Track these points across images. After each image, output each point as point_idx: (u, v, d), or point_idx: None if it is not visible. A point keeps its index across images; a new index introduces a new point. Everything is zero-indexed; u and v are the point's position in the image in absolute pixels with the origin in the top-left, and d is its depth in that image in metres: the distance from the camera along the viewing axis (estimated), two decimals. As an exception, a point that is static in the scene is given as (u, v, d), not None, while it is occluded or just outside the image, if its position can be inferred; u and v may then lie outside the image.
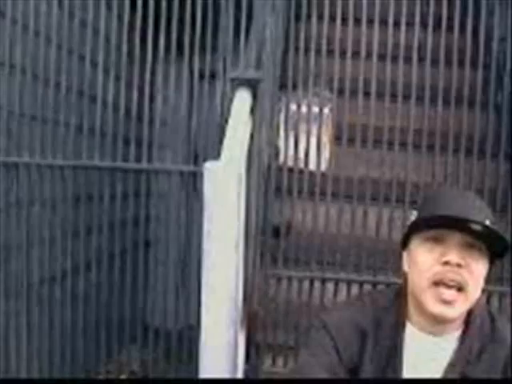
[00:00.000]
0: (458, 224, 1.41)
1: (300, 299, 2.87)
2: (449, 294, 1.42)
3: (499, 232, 1.41)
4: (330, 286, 2.87)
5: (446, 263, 1.41)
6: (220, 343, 2.07)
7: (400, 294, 1.54)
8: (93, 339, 3.23)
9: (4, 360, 3.05)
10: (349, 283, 2.86)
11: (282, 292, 2.88)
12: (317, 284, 2.87)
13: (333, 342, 1.49)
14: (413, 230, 1.48)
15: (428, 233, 1.45)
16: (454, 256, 1.41)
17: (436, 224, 1.44)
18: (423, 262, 1.44)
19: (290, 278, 2.88)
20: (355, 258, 2.88)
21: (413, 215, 1.51)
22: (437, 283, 1.42)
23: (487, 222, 1.41)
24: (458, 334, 1.50)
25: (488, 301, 2.72)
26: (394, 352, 1.49)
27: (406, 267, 1.52)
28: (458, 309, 1.43)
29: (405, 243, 1.52)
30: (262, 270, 2.79)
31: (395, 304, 1.53)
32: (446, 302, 1.42)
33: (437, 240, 1.44)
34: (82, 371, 3.33)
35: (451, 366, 1.48)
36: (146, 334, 3.27)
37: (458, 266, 1.41)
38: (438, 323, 1.47)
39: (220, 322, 2.07)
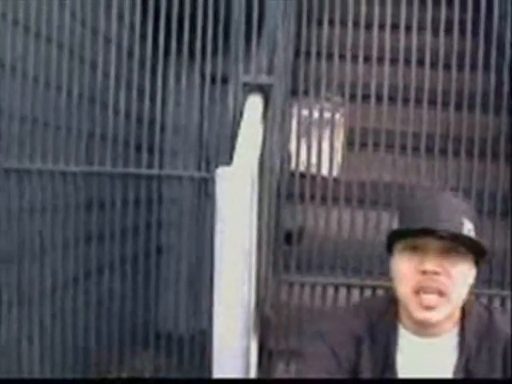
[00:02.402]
0: (429, 233, 1.42)
1: (313, 305, 2.86)
2: (429, 299, 1.44)
3: (467, 236, 1.43)
4: (343, 292, 2.85)
5: (424, 272, 1.43)
6: (232, 349, 2.06)
7: (393, 301, 1.55)
8: (105, 345, 3.23)
9: (17, 366, 3.05)
10: (362, 288, 2.85)
11: (295, 298, 2.87)
12: (330, 289, 2.86)
13: (330, 350, 1.51)
14: (392, 238, 1.51)
15: (406, 242, 1.47)
16: (430, 264, 1.43)
17: (411, 234, 1.46)
18: (403, 271, 1.47)
19: (302, 284, 2.87)
20: (368, 263, 2.86)
21: (395, 222, 1.53)
22: (418, 291, 1.45)
23: (465, 226, 1.43)
24: (454, 332, 1.51)
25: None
26: (389, 357, 1.51)
27: (393, 274, 1.53)
28: (441, 313, 1.46)
29: (390, 249, 1.53)
30: (275, 275, 2.78)
31: (389, 309, 1.55)
32: (429, 308, 1.44)
33: (415, 248, 1.46)
34: (94, 376, 3.32)
35: (455, 365, 1.49)
36: (158, 339, 3.27)
37: (435, 273, 1.43)
38: (425, 327, 1.49)
39: (232, 328, 2.06)
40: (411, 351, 1.51)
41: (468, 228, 1.44)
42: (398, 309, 1.53)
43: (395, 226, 1.52)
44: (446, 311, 1.46)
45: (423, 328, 1.49)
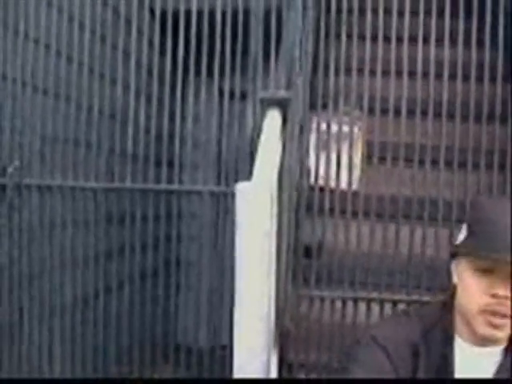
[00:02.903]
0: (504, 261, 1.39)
1: (332, 319, 2.85)
2: (497, 321, 1.42)
3: None
4: (363, 306, 2.84)
5: (495, 296, 1.41)
6: (252, 364, 2.06)
7: (446, 308, 1.52)
8: (126, 358, 3.25)
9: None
10: (382, 302, 2.83)
11: (315, 312, 2.87)
12: (349, 304, 2.85)
13: (386, 355, 1.46)
14: (462, 251, 1.47)
15: (476, 261, 1.43)
16: (502, 289, 1.41)
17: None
18: (471, 290, 1.44)
19: (322, 299, 2.86)
20: (388, 277, 2.85)
21: (463, 229, 1.49)
22: (484, 311, 1.42)
23: None
24: (503, 345, 1.49)
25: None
26: (444, 367, 1.47)
27: (455, 279, 1.50)
28: (505, 331, 1.44)
29: (453, 255, 1.51)
30: (294, 290, 2.78)
31: (442, 318, 1.51)
32: (496, 327, 1.42)
33: (485, 271, 1.42)
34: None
35: (499, 370, 1.47)
36: (178, 353, 3.27)
37: (506, 297, 1.41)
38: (487, 342, 1.47)
39: (253, 342, 2.06)
40: (468, 360, 1.48)
41: None
42: (453, 317, 1.50)
43: (463, 233, 1.48)
44: (509, 330, 1.44)
45: (484, 340, 1.47)
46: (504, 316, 1.41)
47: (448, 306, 1.52)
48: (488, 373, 1.48)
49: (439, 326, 1.50)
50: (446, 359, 1.47)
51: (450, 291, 1.53)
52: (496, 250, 1.40)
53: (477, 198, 1.57)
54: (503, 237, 1.40)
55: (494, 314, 1.42)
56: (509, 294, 1.41)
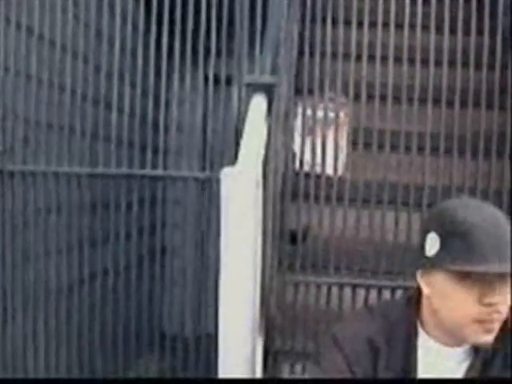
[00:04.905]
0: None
1: (318, 305, 2.85)
2: (491, 326, 1.38)
3: None
4: (348, 292, 2.84)
5: (489, 304, 1.37)
6: (238, 350, 2.06)
7: (411, 304, 1.49)
8: (110, 347, 3.23)
9: (22, 367, 3.05)
10: (367, 288, 2.84)
11: (300, 298, 2.86)
12: (335, 290, 2.85)
13: (345, 360, 1.45)
14: (440, 262, 1.39)
15: (460, 273, 1.37)
16: (494, 297, 1.36)
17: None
18: (459, 300, 1.38)
19: (307, 284, 2.86)
20: (373, 263, 2.85)
21: (432, 240, 1.40)
22: (480, 320, 1.38)
23: None
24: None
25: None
26: (407, 366, 1.45)
27: (426, 291, 1.43)
28: (495, 332, 1.40)
29: (424, 266, 1.43)
30: (280, 276, 2.77)
31: (406, 315, 1.48)
32: (490, 332, 1.39)
33: (473, 278, 1.36)
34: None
35: (469, 370, 1.45)
36: (163, 341, 3.26)
37: (497, 304, 1.37)
38: (472, 345, 1.44)
39: (238, 329, 2.06)
40: (433, 359, 1.46)
41: None
42: (419, 314, 1.47)
43: (436, 245, 1.39)
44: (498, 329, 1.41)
45: (459, 342, 1.44)
46: (497, 320, 1.38)
47: (412, 304, 1.49)
48: (453, 372, 1.45)
49: (402, 324, 1.47)
50: (409, 358, 1.45)
51: (415, 290, 1.48)
52: (486, 260, 1.34)
53: (445, 205, 1.48)
54: (491, 250, 1.35)
55: (489, 321, 1.38)
56: (500, 300, 1.37)
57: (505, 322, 1.42)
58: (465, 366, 1.46)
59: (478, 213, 1.39)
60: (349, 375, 1.44)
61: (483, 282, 1.36)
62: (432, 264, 1.41)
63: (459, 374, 1.46)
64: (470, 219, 1.38)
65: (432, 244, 1.41)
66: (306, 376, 2.63)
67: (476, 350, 1.46)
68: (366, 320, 1.51)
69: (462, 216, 1.38)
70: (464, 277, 1.37)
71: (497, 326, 1.39)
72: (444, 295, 1.40)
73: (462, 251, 1.36)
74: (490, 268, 1.34)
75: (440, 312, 1.42)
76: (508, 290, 1.38)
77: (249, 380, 2.09)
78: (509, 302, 1.39)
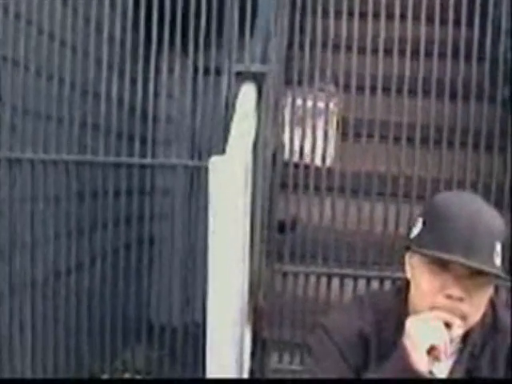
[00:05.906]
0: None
1: (306, 295, 2.86)
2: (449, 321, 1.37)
3: (496, 273, 1.35)
4: (337, 282, 2.85)
5: (449, 296, 1.36)
6: (226, 340, 2.06)
7: (400, 297, 1.49)
8: (97, 336, 3.22)
9: (8, 356, 3.04)
10: (355, 279, 2.84)
11: (289, 288, 2.87)
12: (323, 280, 2.85)
13: (338, 349, 1.45)
14: (414, 246, 1.42)
15: (429, 258, 1.38)
16: (456, 290, 1.36)
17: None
18: (425, 288, 1.39)
19: (296, 274, 2.86)
20: (362, 254, 2.86)
21: (418, 223, 1.42)
22: (437, 309, 1.37)
23: (495, 254, 1.35)
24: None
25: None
26: None
27: (408, 274, 1.45)
28: (458, 332, 1.39)
29: (407, 247, 1.46)
30: (268, 265, 2.77)
31: (395, 306, 1.48)
32: (448, 326, 1.37)
33: (440, 266, 1.37)
34: (87, 369, 3.31)
35: (457, 364, 1.45)
36: (151, 331, 3.25)
37: (460, 299, 1.36)
38: None
39: (226, 319, 2.05)
40: None
41: (497, 254, 1.36)
42: (407, 304, 1.46)
43: (418, 227, 1.41)
44: (462, 331, 1.39)
45: None
46: (456, 318, 1.36)
47: (402, 294, 1.49)
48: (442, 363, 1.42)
49: (392, 314, 1.47)
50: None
51: (404, 280, 1.48)
52: (451, 247, 1.34)
53: (442, 194, 1.49)
54: (462, 239, 1.34)
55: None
56: (464, 295, 1.36)
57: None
58: (453, 357, 1.46)
59: (463, 205, 1.39)
60: (342, 363, 1.44)
61: (448, 272, 1.36)
62: (409, 245, 1.43)
63: (448, 366, 1.46)
64: (452, 209, 1.38)
65: (416, 227, 1.43)
66: (301, 367, 2.64)
67: (464, 340, 1.46)
68: (356, 311, 1.50)
69: (446, 205, 1.39)
70: (431, 262, 1.37)
71: (456, 325, 1.36)
72: (417, 284, 1.41)
73: (434, 237, 1.37)
74: (452, 257, 1.34)
75: (413, 301, 1.43)
76: (480, 292, 1.37)
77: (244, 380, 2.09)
78: (479, 307, 1.38)
